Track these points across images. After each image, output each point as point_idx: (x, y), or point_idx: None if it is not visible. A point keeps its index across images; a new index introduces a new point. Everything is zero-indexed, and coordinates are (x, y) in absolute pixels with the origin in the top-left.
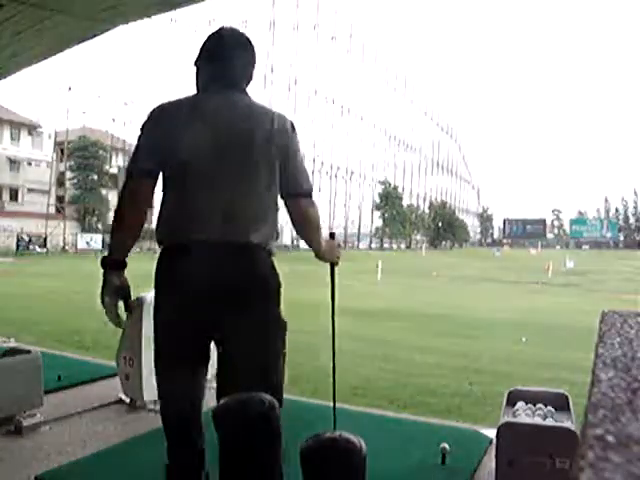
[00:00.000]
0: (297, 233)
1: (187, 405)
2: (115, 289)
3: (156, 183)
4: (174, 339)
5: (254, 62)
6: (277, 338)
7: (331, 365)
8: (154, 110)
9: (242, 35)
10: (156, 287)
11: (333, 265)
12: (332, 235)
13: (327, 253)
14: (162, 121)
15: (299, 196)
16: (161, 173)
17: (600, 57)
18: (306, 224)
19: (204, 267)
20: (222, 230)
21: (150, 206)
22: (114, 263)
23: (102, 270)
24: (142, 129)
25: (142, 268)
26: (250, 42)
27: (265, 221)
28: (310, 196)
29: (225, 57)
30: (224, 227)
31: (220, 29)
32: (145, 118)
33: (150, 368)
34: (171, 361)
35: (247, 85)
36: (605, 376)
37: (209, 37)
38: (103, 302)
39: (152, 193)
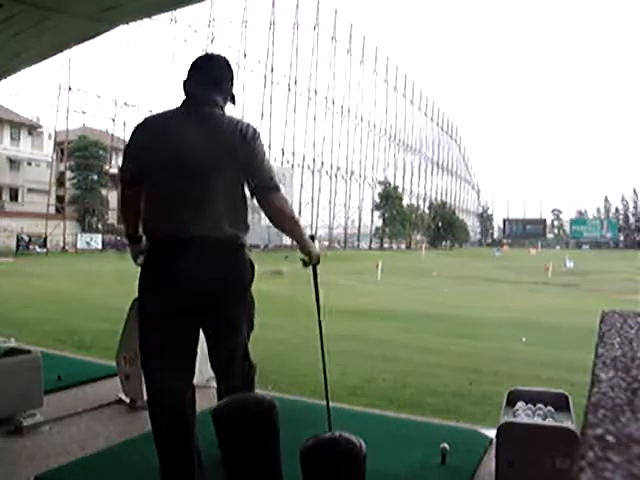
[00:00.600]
0: (276, 227)
1: (179, 400)
2: (138, 253)
3: (141, 186)
4: (161, 329)
5: (229, 82)
6: (248, 317)
7: (330, 365)
8: (139, 124)
9: (220, 59)
10: (140, 279)
11: (315, 267)
12: (312, 237)
13: (314, 248)
14: (145, 134)
15: (264, 189)
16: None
17: (600, 57)
18: (278, 215)
19: (182, 261)
20: (197, 226)
21: (139, 204)
22: (132, 240)
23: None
24: (129, 141)
25: (133, 269)
26: (227, 65)
27: (235, 217)
28: (276, 189)
29: (201, 79)
30: (198, 223)
31: (202, 55)
32: (132, 131)
33: None
34: (160, 353)
35: (224, 100)
36: (605, 376)
37: (193, 62)
38: (135, 259)
39: (139, 194)
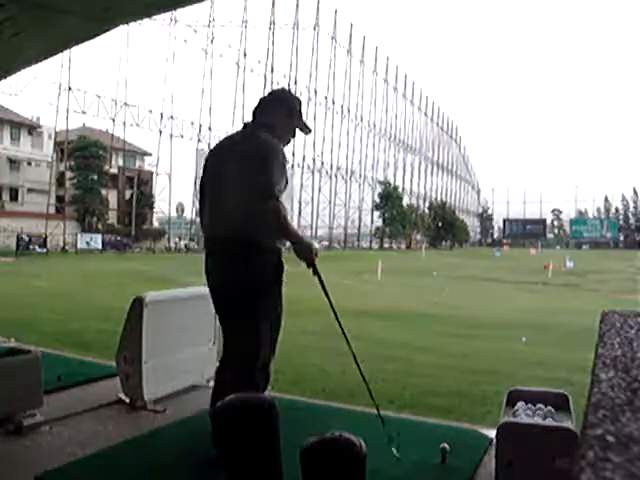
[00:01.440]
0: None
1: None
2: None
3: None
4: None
5: (276, 108)
6: (262, 315)
7: (331, 365)
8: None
9: (274, 92)
10: None
11: (318, 274)
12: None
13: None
14: (210, 152)
15: (257, 196)
16: None
17: (600, 57)
18: (266, 220)
19: (207, 259)
20: (215, 228)
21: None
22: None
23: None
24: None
25: (133, 269)
26: (278, 96)
27: (252, 220)
28: (268, 197)
29: (256, 107)
30: (217, 226)
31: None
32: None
33: (150, 368)
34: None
35: (274, 122)
36: (605, 376)
37: None
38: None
39: (202, 201)
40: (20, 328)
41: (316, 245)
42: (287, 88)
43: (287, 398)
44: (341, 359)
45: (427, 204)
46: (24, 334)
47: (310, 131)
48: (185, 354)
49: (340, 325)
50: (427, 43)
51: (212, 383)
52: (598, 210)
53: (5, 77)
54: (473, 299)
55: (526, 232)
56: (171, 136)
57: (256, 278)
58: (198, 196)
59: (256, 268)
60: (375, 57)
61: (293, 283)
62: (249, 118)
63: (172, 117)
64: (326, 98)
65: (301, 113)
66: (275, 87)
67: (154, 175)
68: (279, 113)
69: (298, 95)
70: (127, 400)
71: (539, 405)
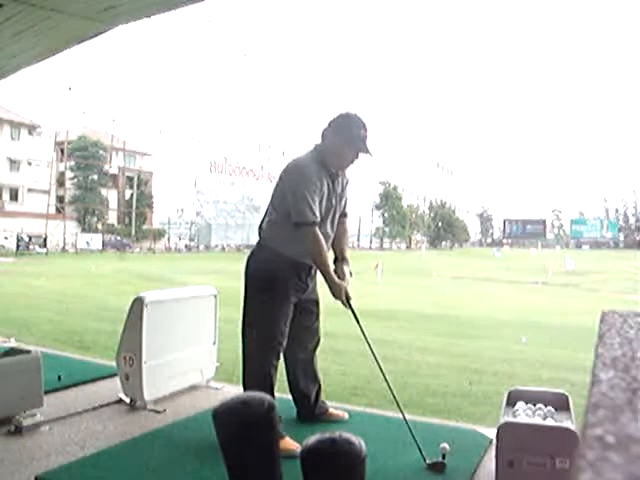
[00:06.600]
0: None
1: None
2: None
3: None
4: None
5: (326, 132)
6: (245, 312)
7: (331, 366)
8: None
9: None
10: None
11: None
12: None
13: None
14: None
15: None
16: None
17: (599, 58)
18: None
19: None
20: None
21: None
22: None
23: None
24: None
25: (133, 269)
26: (333, 121)
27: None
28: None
29: None
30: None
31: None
32: None
33: (150, 368)
34: None
35: (323, 142)
36: (605, 376)
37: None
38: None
39: None
40: (20, 328)
41: (347, 279)
42: (351, 112)
43: (287, 398)
44: (341, 359)
45: (427, 204)
46: (24, 334)
47: (368, 152)
48: (185, 354)
49: (371, 348)
50: (427, 43)
51: (212, 383)
52: (598, 210)
53: (5, 77)
54: (473, 299)
55: (526, 232)
56: (171, 136)
57: (247, 267)
58: None
59: (252, 259)
60: (375, 57)
61: None
62: (249, 118)
63: (172, 117)
64: (326, 98)
65: (353, 137)
66: (275, 87)
67: (154, 175)
68: (328, 137)
69: (299, 95)
70: (127, 400)
71: (539, 405)
